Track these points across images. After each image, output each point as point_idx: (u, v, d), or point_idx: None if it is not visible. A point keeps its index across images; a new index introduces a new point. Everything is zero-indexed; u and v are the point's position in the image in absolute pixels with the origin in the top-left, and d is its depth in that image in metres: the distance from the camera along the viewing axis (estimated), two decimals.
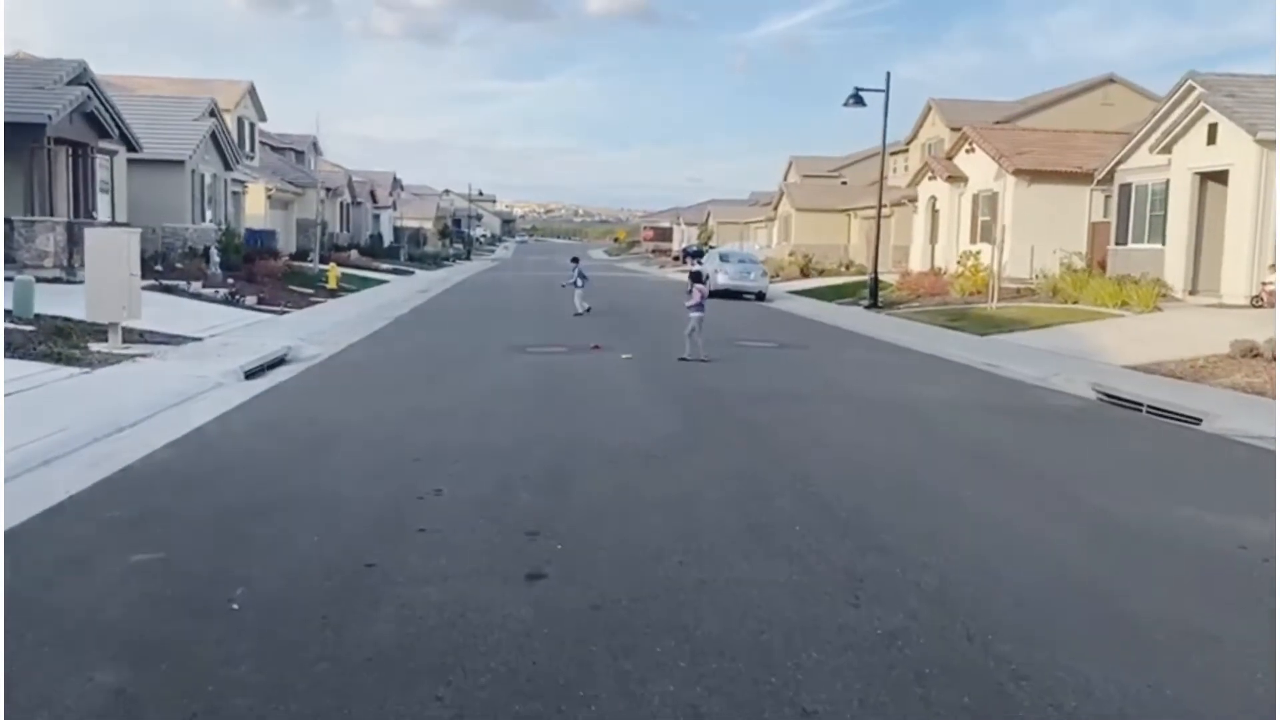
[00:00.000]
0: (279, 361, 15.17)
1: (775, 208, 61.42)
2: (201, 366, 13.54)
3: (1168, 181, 25.49)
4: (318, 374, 13.72)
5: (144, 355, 14.20)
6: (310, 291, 27.93)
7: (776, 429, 9.97)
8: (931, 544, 6.04)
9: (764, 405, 11.38)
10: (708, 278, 34.18)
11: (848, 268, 47.39)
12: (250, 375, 13.52)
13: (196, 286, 23.33)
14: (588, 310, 24.43)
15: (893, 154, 62.31)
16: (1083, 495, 7.56)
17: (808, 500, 7.03)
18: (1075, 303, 24.93)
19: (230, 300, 22.47)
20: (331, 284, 29.52)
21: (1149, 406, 12.71)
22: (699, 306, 15.90)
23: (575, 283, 25.11)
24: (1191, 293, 24.33)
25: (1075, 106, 45.48)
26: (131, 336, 15.50)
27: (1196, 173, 24.34)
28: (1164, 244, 25.59)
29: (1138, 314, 22.09)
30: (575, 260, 27.26)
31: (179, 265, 25.66)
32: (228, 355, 14.73)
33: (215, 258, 25.51)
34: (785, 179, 71.47)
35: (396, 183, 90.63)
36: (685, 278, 44.38)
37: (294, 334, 18.24)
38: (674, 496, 7.04)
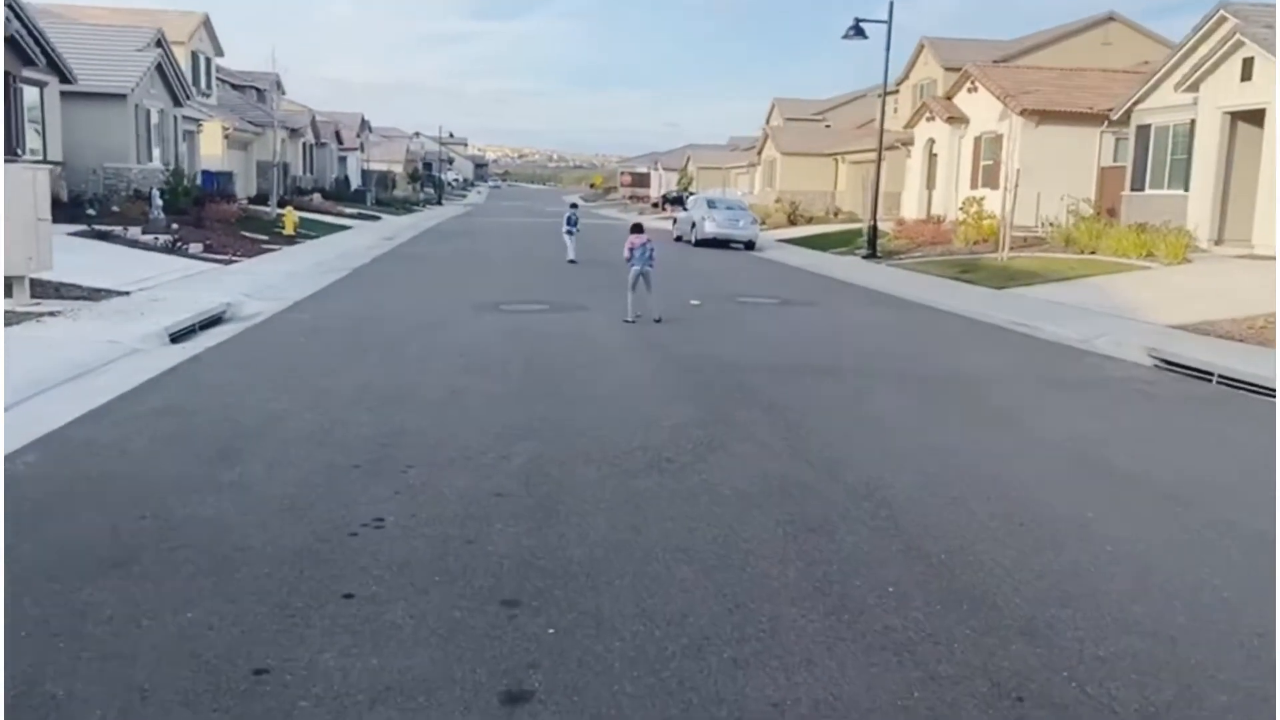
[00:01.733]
0: (214, 321, 13.17)
1: (759, 152, 59.09)
2: (118, 328, 11.51)
3: (1193, 122, 23.58)
4: (255, 338, 11.69)
5: (52, 314, 12.14)
6: (265, 238, 25.67)
7: (813, 417, 8.03)
8: (1090, 617, 4.18)
9: (790, 382, 9.46)
10: (697, 225, 32.35)
11: (836, 215, 45.42)
12: (175, 339, 11.52)
13: (135, 233, 21.08)
14: (571, 261, 22.96)
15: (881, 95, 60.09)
16: (1236, 519, 5.74)
17: (886, 534, 5.15)
18: (1092, 253, 23.12)
19: (171, 248, 20.25)
20: (288, 230, 27.24)
21: (1220, 376, 10.96)
22: (634, 257, 14.09)
23: (570, 229, 23.72)
24: (1217, 242, 22.55)
25: (1074, 46, 43.40)
26: (45, 291, 13.45)
27: (1227, 112, 22.43)
28: (1187, 190, 23.75)
29: (1166, 266, 20.31)
30: (574, 205, 25.69)
31: (116, 209, 23.32)
32: (153, 314, 12.67)
33: (157, 200, 23.15)
34: (768, 122, 69.06)
35: (365, 124, 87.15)
36: (667, 225, 41.99)
37: (238, 287, 16.18)
38: (704, 529, 5.14)
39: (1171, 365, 11.94)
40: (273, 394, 8.19)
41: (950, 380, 9.93)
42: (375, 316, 13.54)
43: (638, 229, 14.95)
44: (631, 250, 14.19)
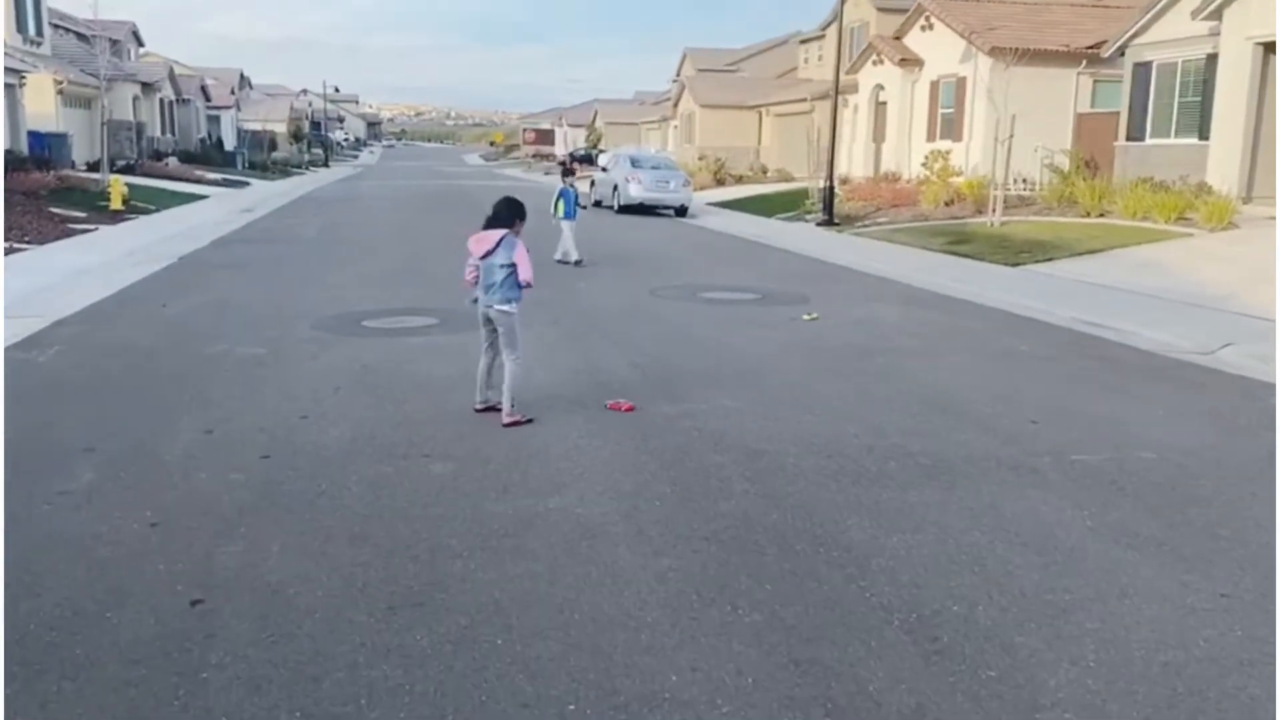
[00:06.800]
0: None
1: (675, 105, 54.39)
2: None
3: (1211, 56, 19.79)
4: None
5: None
6: (81, 215, 20.25)
7: (1031, 683, 3.57)
8: None
9: (886, 510, 4.90)
10: (620, 189, 27.25)
11: (764, 173, 41.12)
12: None
13: None
14: (577, 263, 15.06)
15: (803, 42, 55.74)
16: None
17: None
18: (1101, 215, 19.27)
19: None
20: (115, 203, 21.77)
21: None
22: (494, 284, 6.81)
23: (568, 211, 15.47)
24: (1246, 200, 18.83)
25: None
26: None
27: (1259, 43, 18.64)
28: (1203, 138, 19.99)
29: (1210, 232, 16.49)
30: (567, 168, 17.64)
31: None
32: None
33: None
34: (679, 74, 64.37)
35: (244, 80, 79.74)
36: (585, 188, 36.58)
37: None
38: None
39: None
40: None
41: (1155, 485, 5.58)
42: (161, 349, 8.68)
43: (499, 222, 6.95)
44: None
